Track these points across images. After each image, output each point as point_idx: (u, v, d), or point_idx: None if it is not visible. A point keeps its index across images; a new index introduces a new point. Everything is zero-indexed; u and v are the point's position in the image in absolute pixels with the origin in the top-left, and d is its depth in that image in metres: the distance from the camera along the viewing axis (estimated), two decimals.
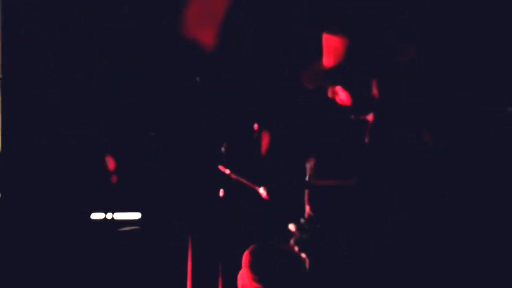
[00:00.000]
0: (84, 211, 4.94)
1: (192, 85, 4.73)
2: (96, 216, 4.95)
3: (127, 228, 4.96)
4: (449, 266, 3.04)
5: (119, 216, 4.95)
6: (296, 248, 3.05)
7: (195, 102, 4.79)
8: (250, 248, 3.39)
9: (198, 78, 4.68)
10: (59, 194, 4.92)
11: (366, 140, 3.15)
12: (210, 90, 4.78)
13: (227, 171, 3.92)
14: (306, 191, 3.25)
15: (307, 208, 3.23)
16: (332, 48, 3.11)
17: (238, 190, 3.84)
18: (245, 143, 4.46)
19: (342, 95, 3.15)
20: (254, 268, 3.33)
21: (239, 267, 3.42)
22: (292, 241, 3.06)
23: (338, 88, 3.15)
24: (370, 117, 3.15)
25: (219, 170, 3.96)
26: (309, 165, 3.27)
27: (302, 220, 3.09)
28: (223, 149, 4.15)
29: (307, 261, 3.05)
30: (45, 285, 4.80)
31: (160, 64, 4.91)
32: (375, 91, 3.10)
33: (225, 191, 4.13)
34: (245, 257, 3.36)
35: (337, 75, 3.11)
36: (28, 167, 4.94)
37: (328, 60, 3.13)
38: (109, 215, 4.89)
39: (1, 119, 4.94)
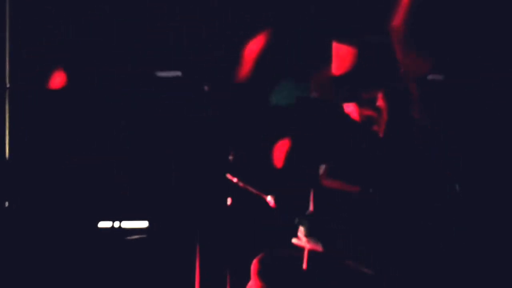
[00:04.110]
0: (91, 219, 4.95)
1: (200, 94, 4.74)
2: (103, 224, 4.95)
3: (135, 237, 4.96)
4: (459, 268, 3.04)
5: (127, 224, 4.95)
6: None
7: (203, 110, 4.80)
8: (259, 256, 3.39)
9: (206, 87, 4.68)
10: (66, 202, 4.92)
11: (375, 149, 3.15)
12: (218, 98, 4.78)
13: (235, 180, 3.92)
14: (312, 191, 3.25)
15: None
16: (341, 56, 3.11)
17: (246, 198, 3.84)
18: (253, 151, 4.47)
19: (349, 106, 3.15)
20: (263, 276, 3.32)
21: (247, 276, 3.41)
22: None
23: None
24: (376, 127, 3.15)
25: (227, 178, 3.96)
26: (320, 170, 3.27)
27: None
28: (230, 157, 4.16)
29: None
30: None
31: (168, 73, 4.93)
32: (380, 102, 3.10)
33: (232, 200, 4.13)
34: (254, 265, 3.36)
35: (344, 83, 3.11)
36: (35, 175, 4.94)
37: (336, 68, 3.13)
38: (116, 224, 4.90)
39: (8, 127, 4.95)
